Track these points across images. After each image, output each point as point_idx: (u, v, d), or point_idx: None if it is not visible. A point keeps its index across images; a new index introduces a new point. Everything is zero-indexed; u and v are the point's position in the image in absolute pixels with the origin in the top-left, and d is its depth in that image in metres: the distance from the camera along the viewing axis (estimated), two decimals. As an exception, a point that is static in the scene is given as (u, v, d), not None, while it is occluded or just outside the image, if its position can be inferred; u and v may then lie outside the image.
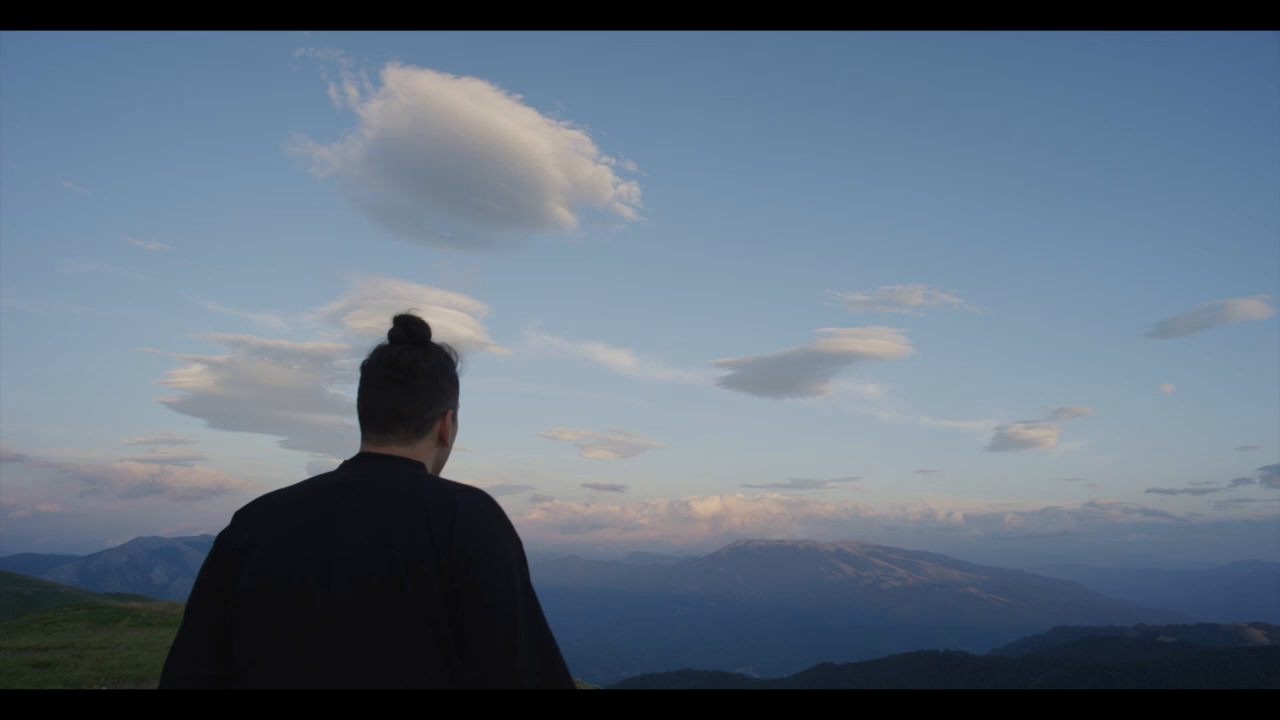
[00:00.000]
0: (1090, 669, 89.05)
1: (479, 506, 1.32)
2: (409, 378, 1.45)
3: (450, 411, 1.53)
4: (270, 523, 1.33)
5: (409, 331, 1.51)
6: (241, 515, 1.37)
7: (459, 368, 1.58)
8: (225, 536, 1.36)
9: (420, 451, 1.47)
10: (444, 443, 1.53)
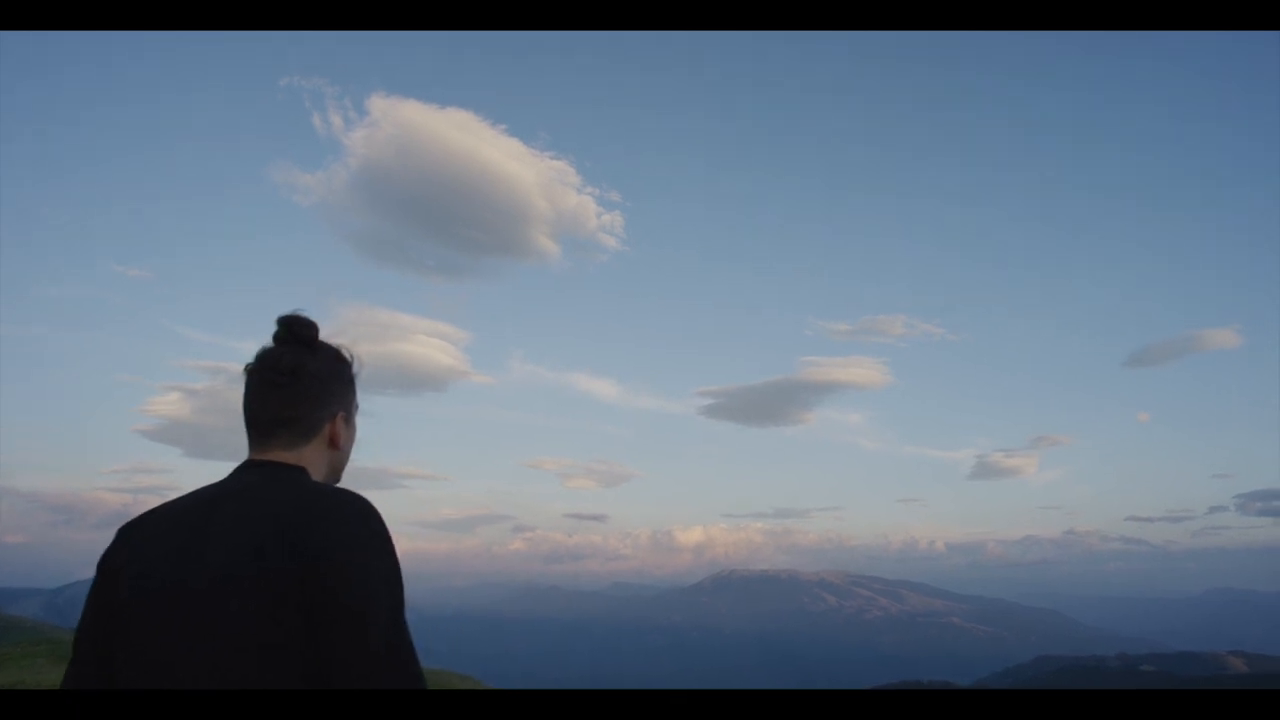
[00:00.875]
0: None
1: (340, 509, 1.27)
2: (291, 380, 1.40)
3: (341, 414, 1.47)
4: (144, 539, 1.32)
5: (293, 332, 1.44)
6: (122, 533, 1.36)
7: (356, 367, 1.52)
8: (105, 556, 1.34)
9: (306, 456, 1.42)
10: (335, 446, 1.47)
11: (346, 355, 1.51)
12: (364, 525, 1.27)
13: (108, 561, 1.33)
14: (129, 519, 1.37)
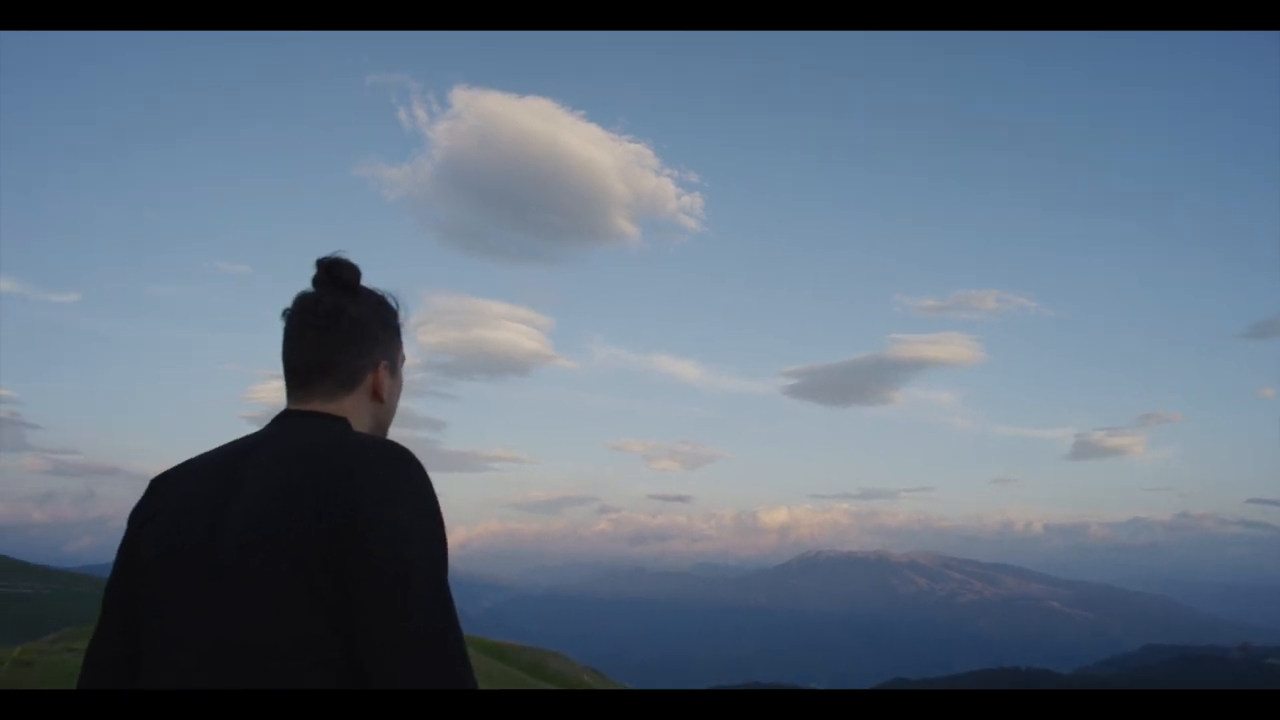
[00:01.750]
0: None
1: (373, 464, 1.16)
2: (330, 323, 1.30)
3: (385, 363, 1.36)
4: (173, 491, 1.25)
5: (332, 275, 1.34)
6: (152, 485, 1.29)
7: (401, 315, 1.42)
8: (135, 510, 1.28)
9: (348, 407, 1.31)
10: (379, 398, 1.36)
11: (391, 302, 1.40)
12: (404, 478, 1.17)
13: (137, 515, 1.27)
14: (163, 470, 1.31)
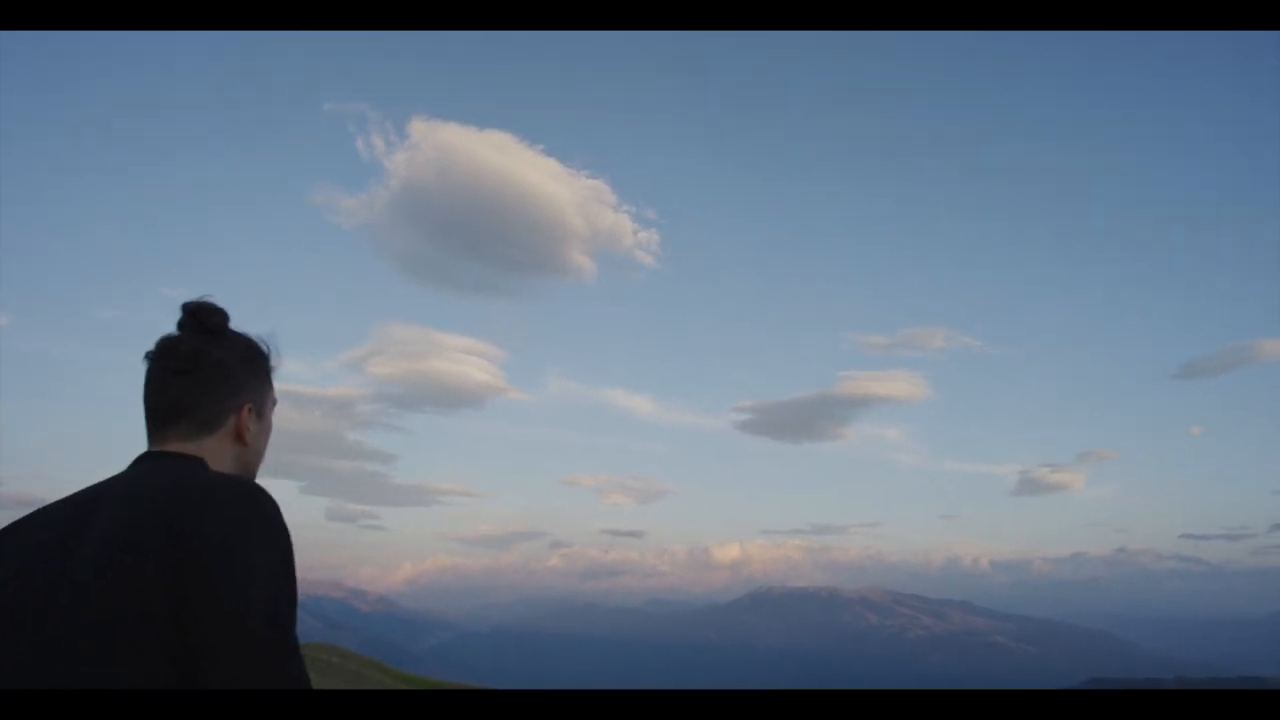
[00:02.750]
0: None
1: (218, 497, 1.16)
2: (190, 366, 1.30)
3: (249, 406, 1.36)
4: (18, 540, 1.22)
5: (197, 320, 1.34)
6: (0, 536, 1.26)
7: (273, 360, 1.42)
8: None
9: (207, 449, 1.31)
10: (243, 441, 1.36)
11: (262, 346, 1.41)
12: (250, 509, 1.17)
13: None
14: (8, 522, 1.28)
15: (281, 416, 1.38)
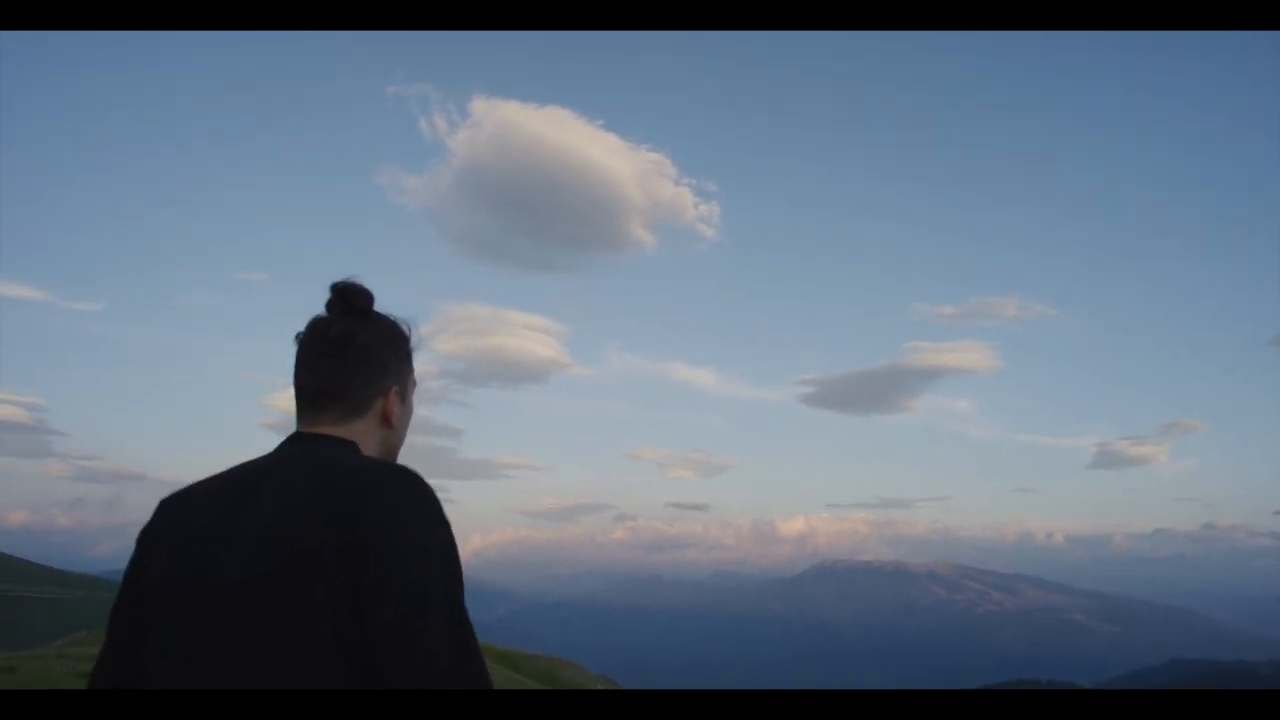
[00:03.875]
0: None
1: (385, 483, 1.17)
2: (340, 350, 1.32)
3: (396, 389, 1.38)
4: (182, 513, 1.25)
5: (345, 300, 1.36)
6: (161, 506, 1.30)
7: (413, 341, 1.43)
8: (143, 531, 1.29)
9: (357, 432, 1.33)
10: (389, 424, 1.38)
11: (404, 328, 1.42)
12: (415, 496, 1.18)
13: (145, 536, 1.28)
14: (173, 490, 1.31)
15: (401, 316, 1.40)
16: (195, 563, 1.18)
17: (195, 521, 1.22)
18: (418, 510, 1.16)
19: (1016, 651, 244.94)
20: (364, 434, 1.34)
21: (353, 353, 1.33)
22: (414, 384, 1.45)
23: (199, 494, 1.27)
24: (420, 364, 1.45)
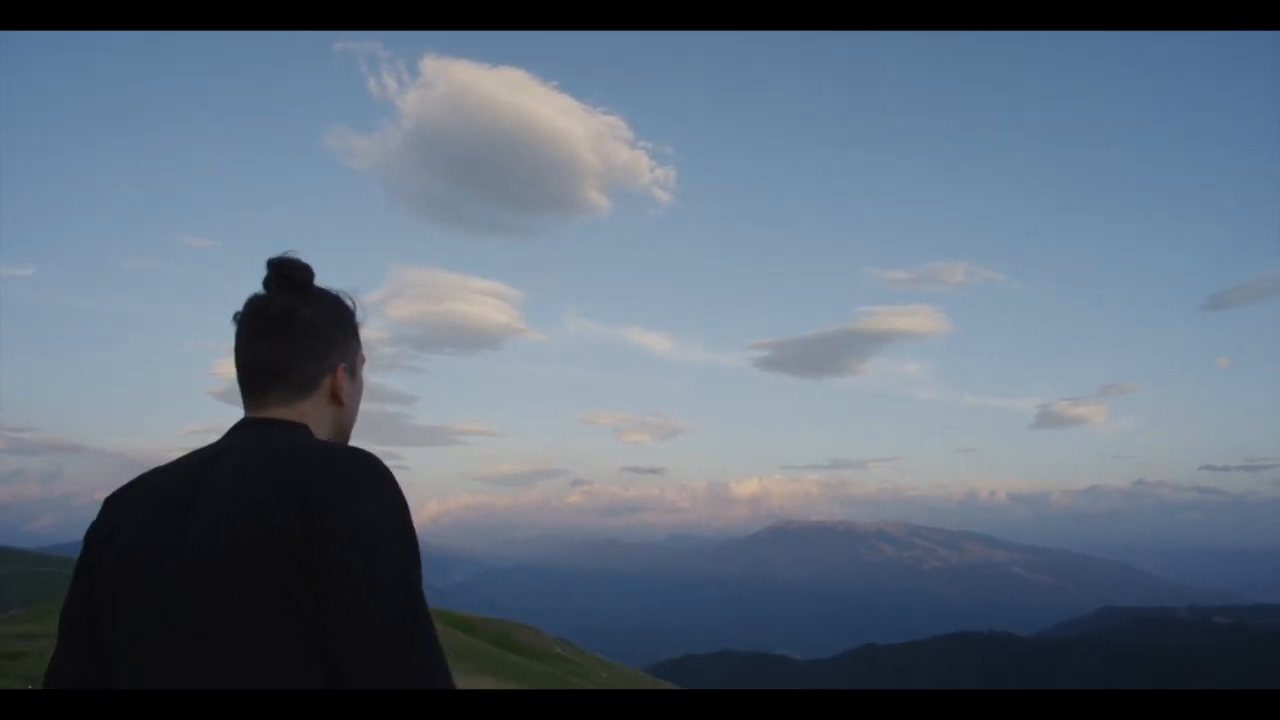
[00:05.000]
0: (1142, 651, 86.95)
1: (340, 467, 1.13)
2: (281, 327, 1.26)
3: (343, 365, 1.32)
4: (131, 506, 1.20)
5: (283, 276, 1.29)
6: (108, 502, 1.24)
7: (359, 315, 1.37)
8: (90, 530, 1.24)
9: (306, 412, 1.27)
10: (338, 401, 1.32)
11: (347, 301, 1.35)
12: (371, 479, 1.14)
13: (93, 536, 1.22)
14: (117, 487, 1.25)
15: (340, 290, 1.35)
16: (148, 555, 1.14)
17: (146, 515, 1.17)
18: (374, 493, 1.13)
19: (960, 606, 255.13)
20: (314, 414, 1.28)
21: (294, 330, 1.26)
22: (363, 359, 1.39)
23: (146, 489, 1.22)
24: (371, 331, 1.40)
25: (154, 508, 1.18)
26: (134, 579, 1.14)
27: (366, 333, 1.38)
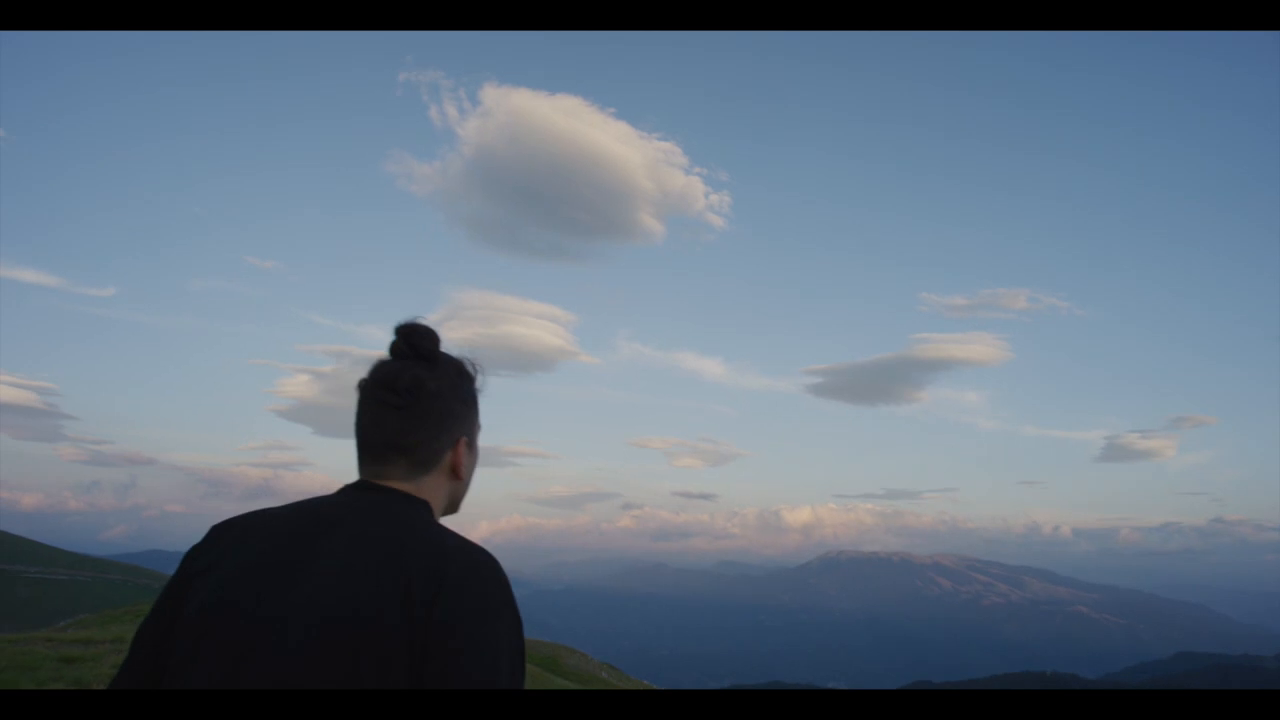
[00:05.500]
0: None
1: (475, 576, 1.10)
2: (409, 402, 1.24)
3: (464, 439, 1.30)
4: (240, 546, 1.17)
5: (411, 344, 1.28)
6: (215, 532, 1.21)
7: (479, 382, 1.34)
8: (192, 554, 1.21)
9: (426, 488, 1.25)
10: (457, 476, 1.30)
11: (470, 369, 1.33)
12: (495, 591, 1.11)
13: (193, 560, 1.20)
14: (226, 517, 1.24)
15: (463, 354, 1.34)
16: (246, 603, 1.10)
17: (252, 559, 1.14)
18: (498, 610, 1.10)
19: (1022, 644, 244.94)
20: (433, 488, 1.26)
21: (421, 405, 1.24)
22: (479, 428, 1.36)
23: (257, 527, 1.19)
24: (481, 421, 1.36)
25: (261, 555, 1.15)
26: (223, 622, 1.10)
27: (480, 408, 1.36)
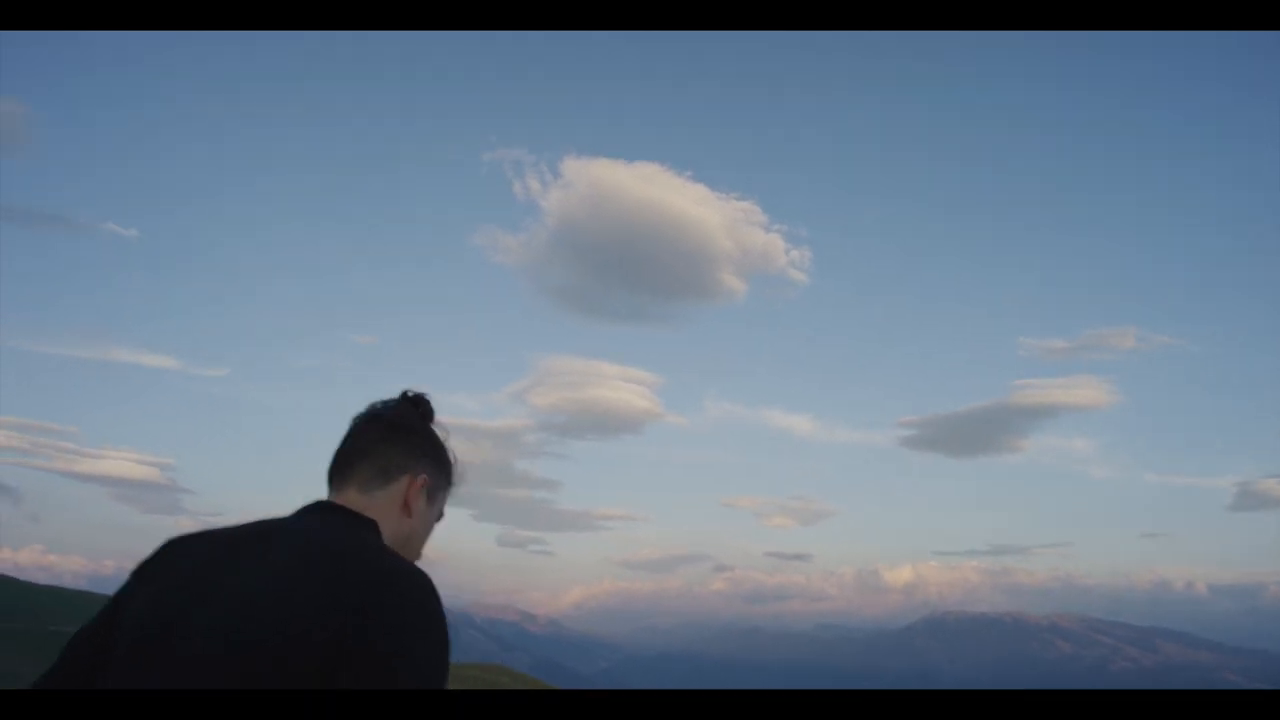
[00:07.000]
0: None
1: (407, 585, 1.12)
2: (388, 426, 1.33)
3: (424, 477, 1.34)
4: (181, 559, 1.21)
5: (409, 401, 1.39)
6: (164, 546, 1.25)
7: (457, 469, 1.43)
8: (141, 565, 1.24)
9: (377, 506, 1.28)
10: (408, 511, 1.31)
11: (450, 454, 1.42)
12: (430, 609, 1.12)
13: (142, 571, 1.23)
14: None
15: (456, 450, 1.42)
16: (187, 607, 1.13)
17: (196, 568, 1.18)
18: (427, 624, 1.11)
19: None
20: (384, 511, 1.28)
21: (400, 432, 1.33)
22: (442, 511, 1.42)
23: (202, 541, 1.23)
24: (516, 419, 1.67)
25: (205, 564, 1.18)
26: (162, 627, 1.13)
27: (512, 421, 1.49)
